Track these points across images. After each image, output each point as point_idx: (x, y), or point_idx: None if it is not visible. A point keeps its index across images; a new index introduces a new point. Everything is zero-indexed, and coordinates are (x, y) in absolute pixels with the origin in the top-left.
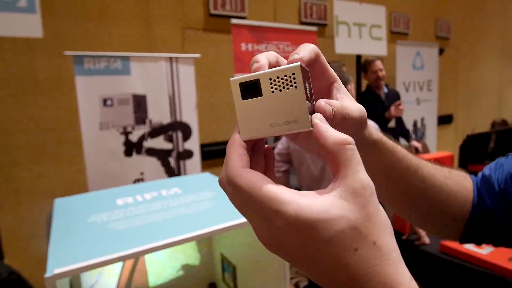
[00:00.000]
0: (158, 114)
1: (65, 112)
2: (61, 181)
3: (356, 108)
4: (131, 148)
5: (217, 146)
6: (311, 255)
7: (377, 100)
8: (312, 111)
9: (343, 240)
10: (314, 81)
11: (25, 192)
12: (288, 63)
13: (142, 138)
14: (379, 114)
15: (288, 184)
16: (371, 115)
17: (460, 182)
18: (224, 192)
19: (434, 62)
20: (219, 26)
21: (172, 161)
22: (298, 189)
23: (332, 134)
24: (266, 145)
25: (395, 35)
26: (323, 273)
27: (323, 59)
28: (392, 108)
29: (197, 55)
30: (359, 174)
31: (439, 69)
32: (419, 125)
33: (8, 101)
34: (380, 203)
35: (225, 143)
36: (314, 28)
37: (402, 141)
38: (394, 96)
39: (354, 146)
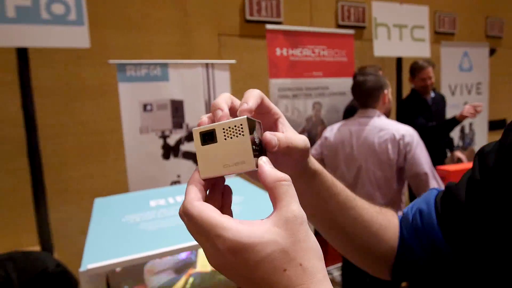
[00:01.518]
0: (195, 118)
1: (109, 117)
2: (105, 181)
3: (299, 138)
4: (168, 151)
5: None
6: (247, 274)
7: (423, 105)
8: (260, 153)
9: (273, 261)
10: (262, 118)
11: (73, 191)
12: (240, 112)
13: (179, 142)
14: (424, 120)
15: None
16: (414, 121)
17: (389, 217)
18: (253, 197)
19: (484, 63)
20: (255, 31)
21: None
22: None
23: (271, 173)
24: (225, 184)
25: (440, 36)
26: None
27: (267, 100)
28: (468, 108)
29: (233, 61)
30: (292, 206)
31: (490, 71)
32: (467, 130)
33: (60, 106)
34: None
35: None
36: (351, 31)
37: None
38: (441, 101)
39: (290, 183)
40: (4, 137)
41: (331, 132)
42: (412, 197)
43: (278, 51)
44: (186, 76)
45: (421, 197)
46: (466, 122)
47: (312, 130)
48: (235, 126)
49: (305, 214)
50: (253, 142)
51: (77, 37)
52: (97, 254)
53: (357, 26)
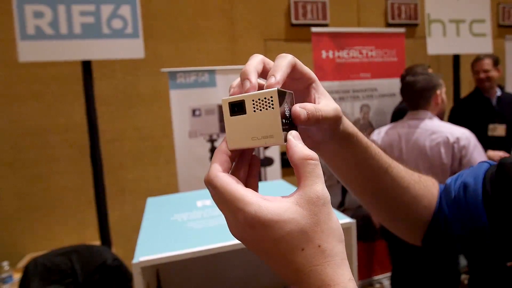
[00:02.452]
0: None
1: (161, 122)
2: (157, 183)
3: (331, 108)
4: None
5: None
6: (266, 249)
7: (486, 104)
8: (290, 127)
9: (292, 240)
10: (295, 84)
11: (129, 191)
12: (266, 87)
13: None
14: (487, 121)
15: None
16: (475, 122)
17: (427, 187)
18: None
19: None
20: (301, 35)
21: None
22: None
23: (299, 150)
24: (253, 154)
25: (505, 29)
26: (277, 266)
27: (300, 65)
28: None
29: None
30: (316, 186)
31: None
32: None
33: (118, 113)
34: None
35: None
36: (401, 30)
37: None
38: (510, 101)
39: (317, 162)
40: (71, 142)
41: (378, 135)
42: None
43: (323, 54)
44: (232, 82)
45: (469, 169)
46: None
47: None
48: (265, 98)
49: (329, 195)
50: (283, 115)
51: (133, 48)
52: (148, 248)
53: (409, 24)
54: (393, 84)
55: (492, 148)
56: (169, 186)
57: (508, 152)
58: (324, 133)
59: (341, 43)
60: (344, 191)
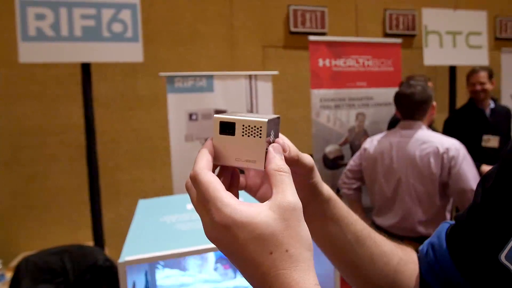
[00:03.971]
0: None
1: (158, 125)
2: (153, 185)
3: (306, 157)
4: None
5: None
6: (237, 251)
7: (480, 115)
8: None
9: (261, 242)
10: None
11: (124, 193)
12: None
13: None
14: (480, 132)
15: (360, 202)
16: (469, 133)
17: (408, 253)
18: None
19: None
20: (299, 43)
21: None
22: (371, 209)
23: (274, 161)
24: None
25: (501, 42)
26: (245, 268)
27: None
28: None
29: (275, 72)
30: (287, 193)
31: None
32: None
33: (116, 115)
34: None
35: None
36: (398, 40)
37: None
38: (503, 113)
39: (288, 174)
40: (68, 142)
41: (371, 144)
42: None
43: (320, 62)
44: (230, 87)
45: (434, 232)
46: None
47: (355, 141)
48: (255, 126)
49: (300, 203)
50: (268, 142)
51: (133, 52)
52: (135, 249)
53: (406, 35)
54: (389, 94)
55: (486, 159)
56: (164, 188)
57: None
58: (304, 189)
59: (338, 51)
60: None
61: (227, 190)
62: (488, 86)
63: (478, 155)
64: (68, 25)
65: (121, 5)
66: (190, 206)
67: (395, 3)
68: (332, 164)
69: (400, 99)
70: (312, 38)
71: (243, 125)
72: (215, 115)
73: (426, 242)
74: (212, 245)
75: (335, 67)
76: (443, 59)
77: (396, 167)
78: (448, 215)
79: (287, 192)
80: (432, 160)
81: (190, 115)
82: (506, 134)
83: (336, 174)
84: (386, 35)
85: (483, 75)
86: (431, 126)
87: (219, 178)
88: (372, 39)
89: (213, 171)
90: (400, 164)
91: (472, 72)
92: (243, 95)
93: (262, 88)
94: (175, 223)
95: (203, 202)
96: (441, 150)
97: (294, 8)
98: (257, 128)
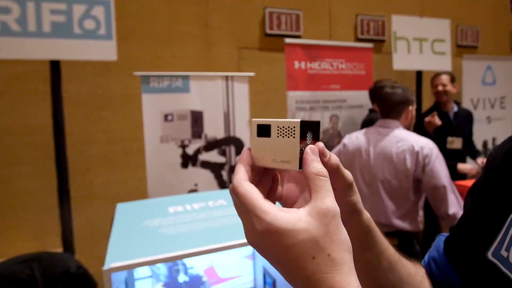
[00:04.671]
0: (213, 129)
1: (132, 126)
2: (126, 188)
3: (346, 171)
4: (187, 160)
5: None
6: (279, 257)
7: (444, 118)
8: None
9: (304, 248)
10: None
11: (95, 196)
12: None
13: (198, 152)
14: (445, 134)
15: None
16: (434, 135)
17: (420, 268)
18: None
19: (509, 77)
20: (274, 45)
21: (224, 174)
22: None
23: (312, 164)
24: (275, 172)
25: (462, 49)
26: (288, 272)
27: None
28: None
29: (252, 74)
30: (326, 199)
31: None
32: (490, 145)
33: (87, 115)
34: None
35: None
36: (369, 45)
37: (470, 161)
38: (466, 116)
39: (327, 179)
40: (34, 143)
41: (349, 140)
42: (427, 211)
43: (296, 64)
44: (206, 88)
45: (432, 247)
46: (488, 137)
47: (329, 142)
48: (288, 127)
49: (338, 208)
50: (305, 144)
51: (106, 50)
52: (120, 255)
53: (377, 40)
54: (361, 96)
55: (450, 160)
56: (138, 191)
57: (464, 162)
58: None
59: (313, 55)
60: None
61: (267, 195)
62: (450, 88)
63: (443, 156)
64: (36, 20)
65: (93, 1)
66: (172, 209)
67: (366, 9)
68: None
69: (382, 98)
70: (288, 40)
71: (278, 126)
72: (253, 119)
73: (425, 259)
74: (201, 250)
75: (310, 70)
76: (411, 64)
77: (373, 163)
78: (421, 212)
79: (326, 198)
80: (407, 157)
81: (166, 116)
82: (468, 136)
83: None
84: (358, 39)
85: (445, 78)
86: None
87: (261, 184)
88: (345, 43)
89: (254, 177)
90: (377, 160)
91: (436, 75)
92: (220, 96)
93: (238, 89)
94: (158, 227)
95: (244, 211)
96: (416, 148)
97: (270, 11)
98: (291, 129)
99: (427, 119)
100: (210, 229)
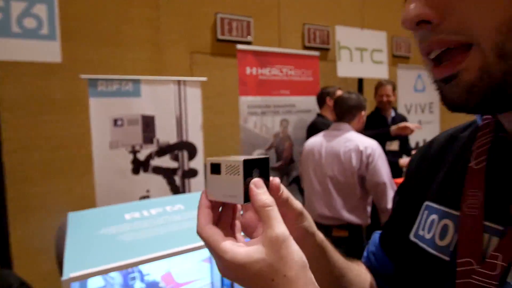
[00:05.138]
0: (165, 134)
1: (77, 131)
2: (70, 197)
3: (296, 202)
4: (138, 166)
5: None
6: (247, 283)
7: (383, 123)
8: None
9: (263, 274)
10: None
11: (35, 207)
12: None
13: (149, 157)
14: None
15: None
16: (374, 138)
17: (362, 265)
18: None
19: None
20: (226, 50)
21: (177, 179)
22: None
23: (258, 198)
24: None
25: (397, 59)
26: None
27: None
28: (396, 128)
29: (204, 79)
30: (275, 228)
31: None
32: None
33: (26, 120)
34: None
35: None
36: (316, 53)
37: (406, 158)
38: (401, 121)
39: (273, 207)
40: None
41: (308, 142)
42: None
43: (248, 70)
44: (158, 92)
45: (369, 243)
46: (420, 139)
47: (280, 146)
48: (233, 165)
49: (287, 232)
50: (248, 181)
51: (49, 51)
52: (78, 264)
53: (322, 48)
54: (310, 101)
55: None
56: (85, 200)
57: None
58: (290, 229)
59: (264, 61)
60: None
61: (230, 226)
62: (392, 98)
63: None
64: None
65: None
66: (128, 216)
67: (313, 19)
68: None
69: (338, 103)
70: (239, 47)
71: (226, 165)
72: (208, 158)
73: (364, 255)
74: (161, 255)
75: (261, 76)
76: (353, 72)
77: (324, 162)
78: (368, 208)
79: (274, 227)
80: (353, 155)
81: (115, 121)
82: (404, 139)
83: None
84: (305, 47)
85: (389, 88)
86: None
87: (223, 216)
88: (294, 51)
89: (214, 213)
90: (327, 159)
91: (380, 85)
92: (172, 100)
93: (191, 94)
94: (116, 234)
95: (211, 251)
96: (361, 147)
97: (221, 16)
98: (236, 167)
99: (402, 124)
100: (168, 234)
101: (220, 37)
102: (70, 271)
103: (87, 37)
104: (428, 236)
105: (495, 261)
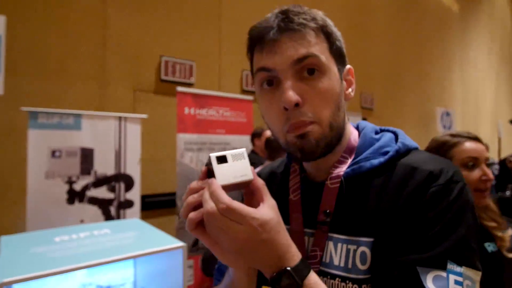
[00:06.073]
0: (104, 166)
1: (11, 161)
2: (1, 224)
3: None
4: (74, 196)
5: (157, 198)
6: (269, 238)
7: None
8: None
9: (276, 226)
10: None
11: None
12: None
13: (86, 188)
14: None
15: None
16: None
17: None
18: (144, 232)
19: None
20: (168, 90)
21: (112, 209)
22: None
23: (259, 178)
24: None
25: None
26: (265, 254)
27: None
28: None
29: (144, 116)
30: (270, 198)
31: None
32: None
33: None
34: None
35: (165, 194)
36: (250, 97)
37: None
38: None
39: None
40: None
41: None
42: None
43: (186, 110)
44: (98, 127)
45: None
46: None
47: None
48: (239, 153)
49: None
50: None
51: None
52: (8, 273)
53: None
54: (243, 140)
55: None
56: (13, 228)
57: None
58: None
59: (202, 102)
60: None
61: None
62: None
63: None
64: None
65: None
66: (58, 238)
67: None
68: None
69: (267, 144)
70: (179, 89)
71: (232, 155)
72: (210, 154)
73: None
74: (81, 265)
75: (198, 115)
76: None
77: None
78: None
79: (269, 197)
80: None
81: (53, 152)
82: None
83: None
84: (243, 91)
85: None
86: None
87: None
88: (230, 95)
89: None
90: None
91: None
92: (112, 135)
93: (131, 130)
94: (45, 252)
95: (239, 222)
96: None
97: (165, 59)
98: (241, 154)
99: None
100: (94, 251)
101: (163, 77)
102: (3, 277)
103: (31, 70)
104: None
105: (316, 253)
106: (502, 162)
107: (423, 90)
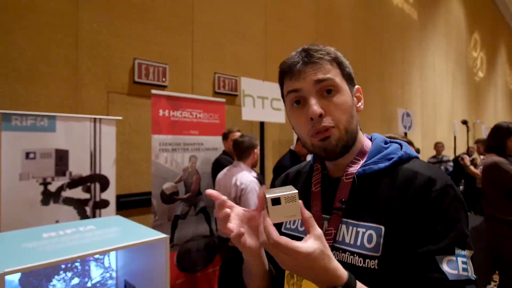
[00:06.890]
0: (79, 167)
1: None
2: None
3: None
4: (49, 197)
5: (132, 197)
6: (315, 266)
7: (298, 162)
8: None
9: (320, 255)
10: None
11: None
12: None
13: (61, 189)
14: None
15: None
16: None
17: None
18: (127, 227)
19: None
20: (142, 92)
21: (88, 210)
22: None
23: (307, 211)
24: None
25: None
26: (318, 276)
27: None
28: None
29: (119, 118)
30: (317, 228)
31: None
32: None
33: None
34: None
35: (140, 194)
36: (222, 100)
37: None
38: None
39: (312, 217)
40: None
41: (218, 174)
42: None
43: (161, 112)
44: (73, 129)
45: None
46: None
47: (188, 179)
48: (291, 196)
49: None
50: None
51: None
52: (9, 263)
53: (231, 94)
54: (216, 141)
55: None
56: None
57: None
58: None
59: (176, 104)
60: (173, 228)
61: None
62: None
63: None
64: None
65: None
66: (46, 235)
67: (223, 69)
68: (169, 199)
69: (235, 146)
70: (154, 91)
71: (285, 197)
72: (266, 195)
73: None
74: (70, 257)
75: (173, 117)
76: (256, 116)
77: (222, 192)
78: None
79: (316, 227)
80: (232, 188)
81: (27, 154)
82: None
83: (172, 207)
84: (216, 93)
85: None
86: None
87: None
88: (203, 97)
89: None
90: (222, 189)
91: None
92: (87, 136)
93: (106, 131)
94: (37, 247)
95: (286, 253)
96: (238, 183)
97: (139, 62)
98: (294, 197)
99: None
100: (80, 244)
101: (137, 79)
102: (3, 268)
103: (3, 73)
104: (293, 227)
105: (331, 231)
106: (455, 160)
107: (386, 92)
